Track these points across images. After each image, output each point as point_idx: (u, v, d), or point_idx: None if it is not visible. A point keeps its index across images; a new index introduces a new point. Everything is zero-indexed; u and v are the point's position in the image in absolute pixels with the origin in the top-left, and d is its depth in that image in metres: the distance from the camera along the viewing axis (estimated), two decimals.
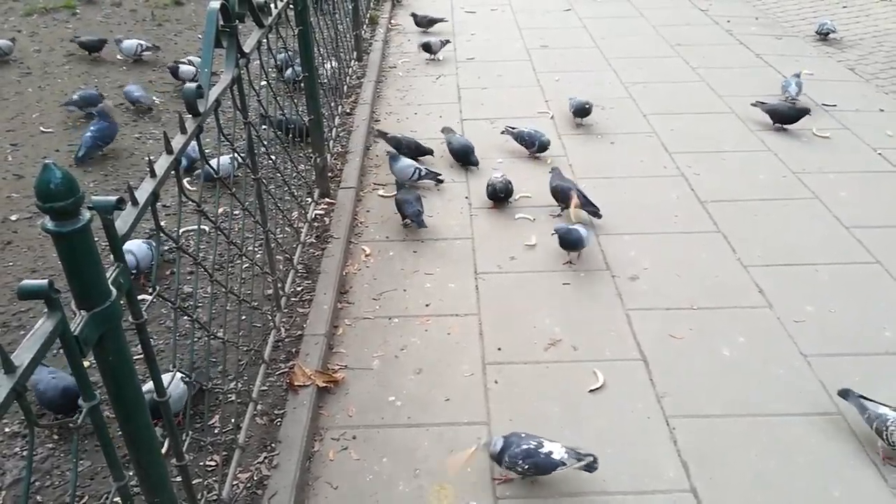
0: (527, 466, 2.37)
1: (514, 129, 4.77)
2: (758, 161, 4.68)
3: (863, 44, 6.88)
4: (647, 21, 7.55)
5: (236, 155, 2.62)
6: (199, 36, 6.66)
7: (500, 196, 4.12)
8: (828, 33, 6.87)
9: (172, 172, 1.81)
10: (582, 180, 4.42)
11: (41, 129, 4.93)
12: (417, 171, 4.19)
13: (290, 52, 3.82)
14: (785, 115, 4.99)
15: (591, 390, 2.87)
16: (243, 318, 2.97)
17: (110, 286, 1.40)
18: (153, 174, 1.70)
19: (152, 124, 5.06)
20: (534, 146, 4.64)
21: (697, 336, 3.17)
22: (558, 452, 2.39)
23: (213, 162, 2.58)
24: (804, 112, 4.95)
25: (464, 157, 4.58)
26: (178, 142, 1.89)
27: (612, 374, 2.95)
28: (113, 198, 1.42)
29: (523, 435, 2.44)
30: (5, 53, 6.06)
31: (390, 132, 4.77)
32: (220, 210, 3.86)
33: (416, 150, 4.59)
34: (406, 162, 4.23)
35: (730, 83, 5.89)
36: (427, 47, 6.43)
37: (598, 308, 3.35)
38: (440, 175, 4.32)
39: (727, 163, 4.66)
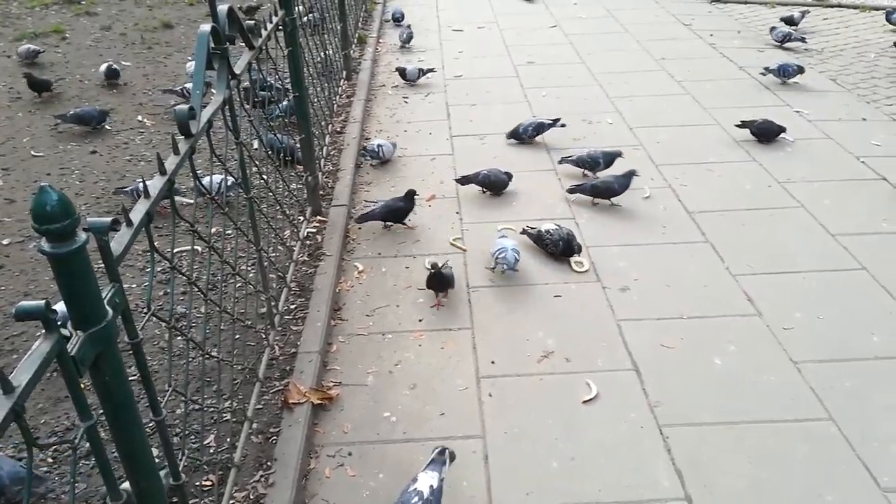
0: None
1: (569, 157, 4.69)
2: (743, 171, 4.74)
3: (844, 54, 6.99)
4: (631, 36, 7.66)
5: (228, 176, 2.64)
6: (189, 58, 6.71)
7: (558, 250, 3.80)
8: (785, 39, 7.10)
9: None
10: (570, 194, 4.47)
11: (32, 153, 4.95)
12: (499, 251, 3.62)
13: (277, 75, 3.85)
14: (766, 132, 5.08)
15: (584, 401, 2.89)
16: (237, 336, 2.98)
17: (106, 306, 1.42)
18: (147, 195, 1.72)
19: (143, 146, 5.08)
20: (599, 164, 4.58)
21: (688, 345, 3.20)
22: (431, 478, 2.32)
23: (206, 181, 2.61)
24: (782, 128, 5.04)
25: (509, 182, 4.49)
26: (171, 163, 1.92)
27: (604, 385, 2.97)
28: (108, 219, 1.44)
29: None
30: (35, 55, 6.40)
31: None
32: (213, 230, 3.88)
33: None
34: (502, 242, 3.68)
35: (714, 95, 5.98)
36: (402, 73, 6.38)
37: (590, 319, 3.38)
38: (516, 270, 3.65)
39: (713, 174, 4.72)
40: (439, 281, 3.39)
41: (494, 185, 4.45)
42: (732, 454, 2.64)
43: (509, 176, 4.46)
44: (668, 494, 2.49)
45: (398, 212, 4.11)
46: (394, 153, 4.98)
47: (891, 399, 2.87)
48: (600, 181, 4.29)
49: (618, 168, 4.50)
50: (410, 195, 4.08)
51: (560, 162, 4.73)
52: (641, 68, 6.72)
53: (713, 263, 3.78)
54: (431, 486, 2.30)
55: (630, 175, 4.27)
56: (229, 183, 3.70)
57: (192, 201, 3.99)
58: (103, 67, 6.08)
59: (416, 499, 2.25)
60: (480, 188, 4.50)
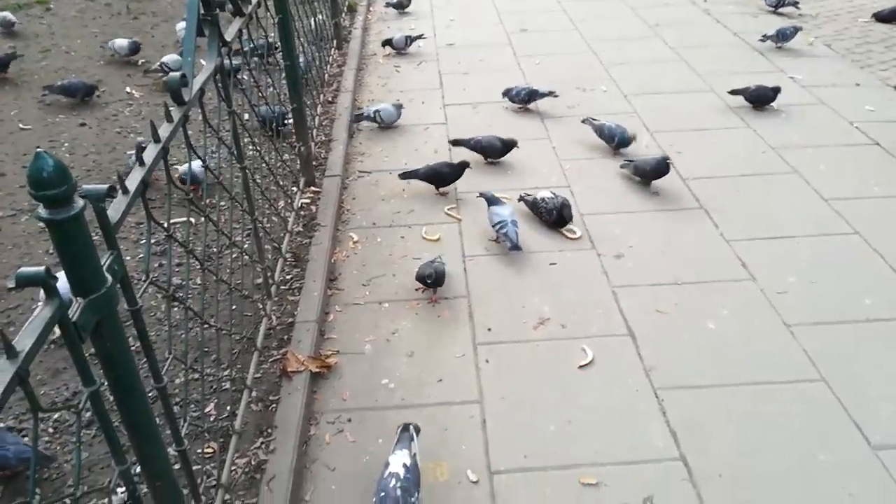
0: (411, 499, 2.22)
1: (595, 120, 4.64)
2: (738, 138, 4.74)
3: (838, 19, 6.95)
4: (625, 3, 7.58)
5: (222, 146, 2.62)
6: (178, 31, 6.60)
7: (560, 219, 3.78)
8: (779, 4, 7.07)
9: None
10: (566, 161, 4.47)
11: (20, 125, 4.89)
12: (501, 224, 3.61)
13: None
14: (760, 98, 5.06)
15: (580, 366, 2.92)
16: (234, 307, 2.97)
17: (105, 273, 1.42)
18: (142, 163, 1.71)
19: (133, 118, 5.03)
20: (613, 140, 4.51)
21: (683, 310, 3.22)
22: (403, 457, 2.30)
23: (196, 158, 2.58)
24: (778, 90, 5.02)
25: (505, 150, 4.44)
26: (164, 131, 1.90)
27: (600, 350, 3.00)
28: (104, 186, 1.44)
29: (380, 492, 2.22)
30: (11, 25, 6.37)
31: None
32: (207, 200, 3.87)
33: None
34: (502, 211, 3.68)
35: (708, 62, 5.95)
36: (389, 43, 6.30)
37: (585, 286, 3.39)
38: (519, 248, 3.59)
39: (708, 140, 4.71)
40: (435, 283, 3.28)
41: (485, 150, 4.44)
42: (726, 416, 2.68)
43: (506, 145, 4.41)
44: (663, 455, 2.53)
45: (442, 176, 4.13)
46: (398, 118, 4.95)
47: (882, 360, 2.92)
48: (640, 160, 4.20)
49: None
50: (463, 165, 4.11)
51: (583, 121, 4.70)
52: (635, 35, 6.66)
53: (707, 229, 3.80)
54: (405, 465, 2.28)
55: (663, 160, 4.07)
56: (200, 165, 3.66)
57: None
58: (125, 42, 5.90)
59: (393, 482, 2.22)
60: (482, 156, 4.50)
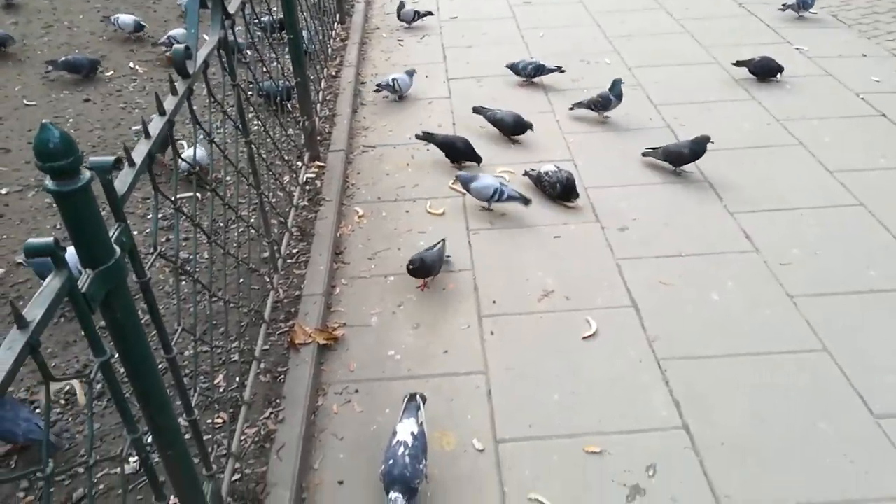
0: (419, 465, 2.26)
1: (580, 103, 4.62)
2: (742, 110, 4.71)
3: None
4: None
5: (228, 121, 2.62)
6: (179, 2, 6.56)
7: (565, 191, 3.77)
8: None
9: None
10: (569, 135, 4.46)
11: (24, 101, 4.89)
12: (498, 191, 3.64)
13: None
14: (765, 70, 5.01)
15: (584, 337, 2.95)
16: (241, 281, 3.00)
17: (114, 245, 1.43)
18: (147, 135, 1.72)
19: (137, 94, 5.02)
20: (610, 101, 4.50)
21: (686, 282, 3.23)
22: (410, 426, 2.33)
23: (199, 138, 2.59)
24: (781, 67, 4.97)
25: (516, 129, 4.41)
26: (169, 103, 1.90)
27: (604, 322, 3.02)
28: (110, 158, 1.45)
29: (388, 460, 2.24)
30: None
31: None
32: (213, 175, 3.87)
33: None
34: (486, 181, 3.70)
35: (713, 33, 5.89)
36: (399, 9, 6.25)
37: (589, 259, 3.41)
38: (528, 198, 3.67)
39: (712, 112, 4.69)
40: (422, 270, 3.20)
41: (497, 123, 4.43)
42: (729, 385, 2.71)
43: (519, 125, 4.35)
44: (667, 424, 2.56)
45: (454, 148, 4.15)
46: (411, 84, 4.98)
47: (885, 331, 2.93)
48: (672, 145, 4.06)
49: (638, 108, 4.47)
50: (475, 155, 4.10)
51: (571, 108, 4.67)
52: (639, 7, 6.59)
53: (712, 202, 3.79)
54: (413, 433, 2.30)
55: (703, 141, 3.93)
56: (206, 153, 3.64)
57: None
58: (130, 19, 5.86)
59: (402, 450, 2.24)
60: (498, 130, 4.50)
